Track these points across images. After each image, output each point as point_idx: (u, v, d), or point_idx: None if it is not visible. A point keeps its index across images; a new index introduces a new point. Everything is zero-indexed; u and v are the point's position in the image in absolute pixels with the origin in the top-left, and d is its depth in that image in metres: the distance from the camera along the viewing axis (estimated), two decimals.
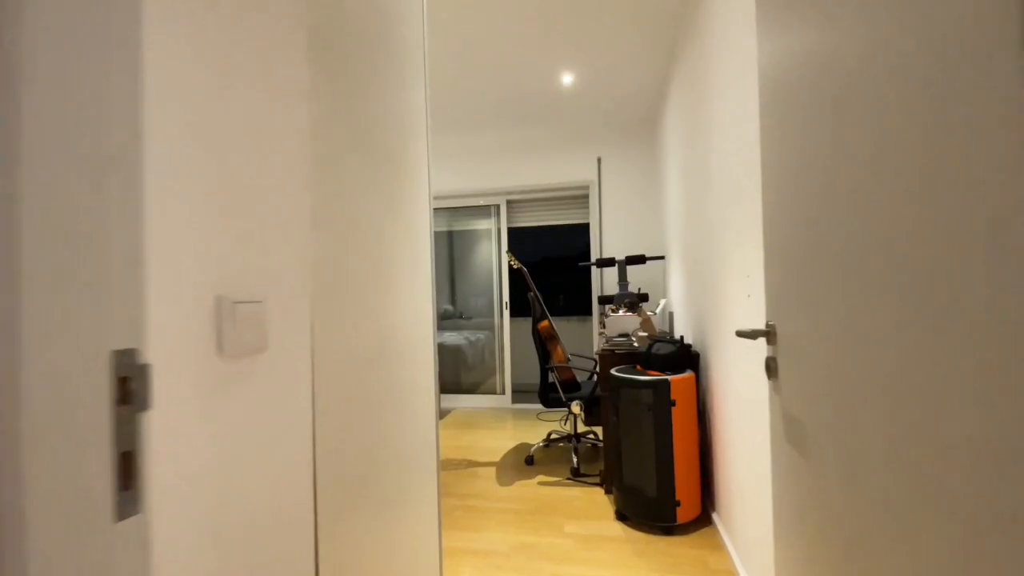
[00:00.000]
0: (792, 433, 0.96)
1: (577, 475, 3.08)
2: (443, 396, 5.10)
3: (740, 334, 1.07)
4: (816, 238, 0.84)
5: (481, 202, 5.04)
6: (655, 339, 2.81)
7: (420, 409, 1.47)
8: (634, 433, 2.41)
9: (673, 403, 2.33)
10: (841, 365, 0.77)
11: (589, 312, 4.98)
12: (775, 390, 1.05)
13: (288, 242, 0.85)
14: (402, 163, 1.40)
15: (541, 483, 2.98)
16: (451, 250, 5.31)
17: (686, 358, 2.52)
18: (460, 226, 5.24)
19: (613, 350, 2.87)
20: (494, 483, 3.01)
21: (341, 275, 1.04)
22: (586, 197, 4.84)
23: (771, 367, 1.05)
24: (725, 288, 2.05)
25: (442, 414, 4.78)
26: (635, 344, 2.94)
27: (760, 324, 1.58)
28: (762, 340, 1.53)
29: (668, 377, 2.35)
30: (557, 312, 5.61)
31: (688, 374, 2.41)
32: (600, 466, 3.22)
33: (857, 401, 0.73)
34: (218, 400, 0.69)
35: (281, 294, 0.83)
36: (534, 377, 5.14)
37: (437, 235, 5.34)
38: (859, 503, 0.74)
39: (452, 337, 5.20)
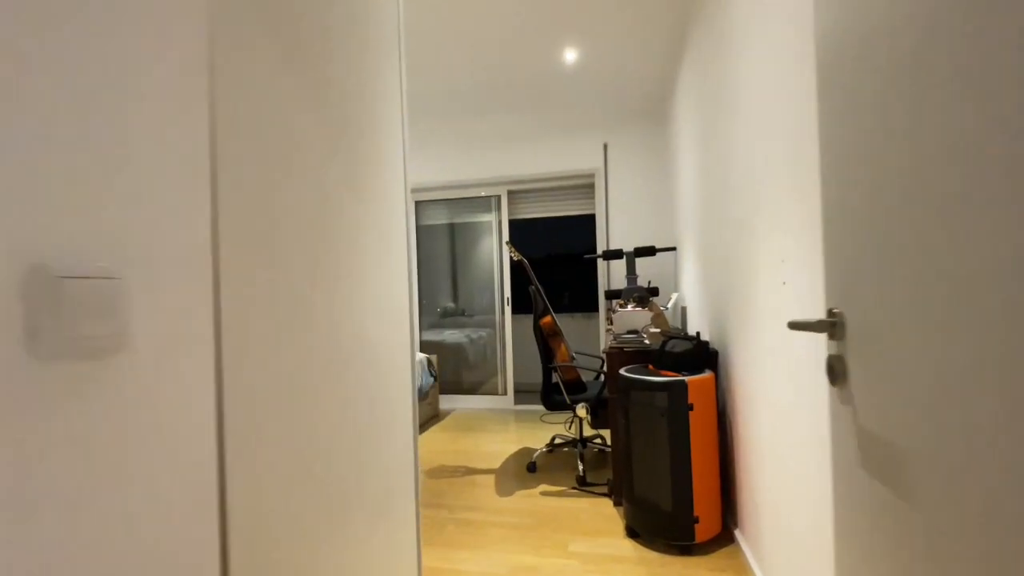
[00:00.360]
0: (872, 458, 0.71)
1: (583, 484, 2.83)
2: (442, 397, 4.86)
3: (794, 326, 0.82)
4: (909, 195, 0.59)
5: (482, 193, 4.79)
6: (668, 336, 2.56)
7: (392, 426, 1.23)
8: (646, 440, 2.16)
9: (691, 407, 2.08)
10: (963, 367, 0.52)
11: (595, 308, 4.72)
12: (842, 399, 0.79)
13: (172, 199, 0.61)
14: (367, 126, 1.16)
15: (544, 493, 2.74)
16: (452, 245, 5.06)
17: (703, 356, 2.26)
18: (461, 219, 4.99)
19: (622, 348, 2.62)
20: (492, 493, 2.76)
21: (271, 255, 0.80)
22: (592, 186, 4.57)
23: (836, 369, 0.80)
24: (753, 277, 1.79)
25: (441, 416, 4.54)
26: (646, 341, 2.68)
27: (799, 314, 1.32)
28: (806, 334, 1.27)
29: (685, 378, 2.10)
30: (562, 308, 5.36)
31: (707, 374, 2.16)
32: (608, 474, 2.97)
33: (991, 418, 0.48)
34: (24, 423, 0.45)
35: (157, 271, 0.59)
36: (538, 377, 4.88)
37: (438, 229, 5.09)
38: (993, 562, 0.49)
39: (453, 335, 4.96)
